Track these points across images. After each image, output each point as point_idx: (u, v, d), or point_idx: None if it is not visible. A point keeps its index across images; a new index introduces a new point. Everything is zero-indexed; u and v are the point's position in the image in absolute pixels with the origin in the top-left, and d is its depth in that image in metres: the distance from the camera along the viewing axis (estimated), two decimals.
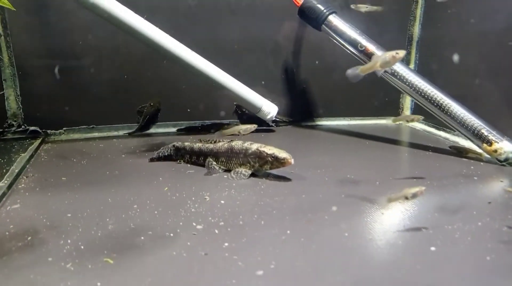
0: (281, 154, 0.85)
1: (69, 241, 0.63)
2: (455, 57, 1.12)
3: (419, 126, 1.39)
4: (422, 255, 0.59)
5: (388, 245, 0.62)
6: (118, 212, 0.73)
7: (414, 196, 0.66)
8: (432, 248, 0.60)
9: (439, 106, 1.01)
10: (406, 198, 0.66)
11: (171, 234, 0.65)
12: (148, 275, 0.55)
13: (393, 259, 0.58)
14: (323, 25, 1.11)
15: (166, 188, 0.84)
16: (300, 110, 1.41)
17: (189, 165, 0.98)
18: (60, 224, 0.69)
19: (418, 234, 0.65)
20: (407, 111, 1.45)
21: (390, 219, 0.70)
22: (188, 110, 1.33)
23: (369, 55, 1.07)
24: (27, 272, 0.55)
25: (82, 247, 0.61)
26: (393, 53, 0.76)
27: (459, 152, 1.02)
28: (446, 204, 0.76)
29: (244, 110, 1.33)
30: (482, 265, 0.57)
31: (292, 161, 0.85)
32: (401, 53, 0.76)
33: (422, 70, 1.31)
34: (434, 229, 0.66)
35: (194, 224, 0.68)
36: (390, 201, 0.68)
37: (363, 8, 1.11)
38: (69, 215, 0.72)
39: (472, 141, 0.99)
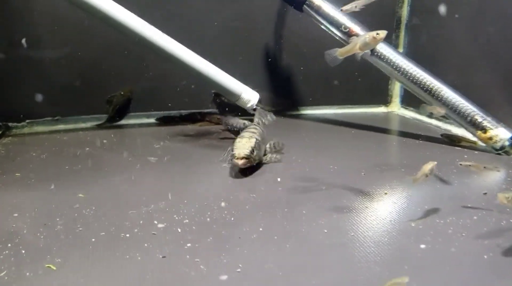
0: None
1: (9, 245, 0.55)
2: (442, 9, 1.04)
3: (410, 114, 1.32)
4: (411, 253, 0.52)
5: (372, 243, 0.54)
6: (71, 211, 0.65)
7: (431, 171, 0.62)
8: (422, 246, 0.54)
9: (429, 91, 0.93)
10: (426, 175, 0.61)
11: (127, 235, 0.57)
12: (92, 283, 0.47)
13: (378, 259, 0.51)
14: (305, 5, 1.03)
15: (127, 185, 0.76)
16: (283, 98, 1.34)
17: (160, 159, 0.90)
18: (2, 225, 0.61)
19: (407, 230, 0.58)
20: (396, 99, 1.38)
21: (375, 213, 0.63)
22: (162, 98, 1.24)
23: (353, 37, 0.99)
24: None
25: (23, 251, 0.54)
26: (373, 33, 0.69)
27: (452, 140, 0.96)
28: (437, 196, 0.69)
29: (223, 98, 1.25)
30: (479, 264, 0.50)
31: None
32: (382, 33, 0.69)
33: (411, 55, 1.24)
34: (424, 224, 0.59)
35: (155, 222, 0.61)
36: (416, 181, 0.62)
37: None
38: (15, 214, 0.64)
39: (465, 128, 0.92)
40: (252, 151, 0.76)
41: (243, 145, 0.77)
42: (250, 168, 0.80)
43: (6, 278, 0.48)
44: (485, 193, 0.70)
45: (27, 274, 0.49)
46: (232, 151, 0.77)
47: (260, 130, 0.89)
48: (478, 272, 0.49)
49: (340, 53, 0.69)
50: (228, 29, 1.24)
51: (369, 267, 0.49)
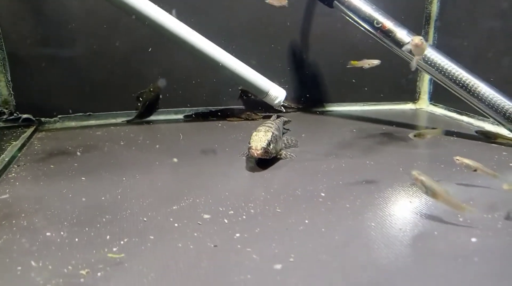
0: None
1: (61, 233, 0.56)
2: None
3: (439, 111, 1.30)
4: (463, 247, 0.52)
5: (423, 236, 0.54)
6: (116, 202, 0.66)
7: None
8: (473, 240, 0.53)
9: (465, 87, 0.92)
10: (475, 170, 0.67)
11: (175, 224, 0.58)
12: (151, 269, 0.48)
13: (429, 252, 0.51)
14: (335, 1, 1.03)
15: (165, 178, 0.77)
16: (310, 95, 1.33)
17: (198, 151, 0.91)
18: (52, 216, 0.62)
19: (455, 224, 0.57)
20: (424, 96, 1.37)
21: (421, 208, 0.63)
22: (190, 95, 1.25)
23: (385, 33, 0.99)
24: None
25: (76, 239, 0.54)
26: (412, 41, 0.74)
27: (487, 137, 0.94)
28: (481, 192, 0.68)
29: (250, 95, 1.26)
30: None
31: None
32: (415, 39, 0.74)
33: (441, 51, 1.22)
34: (472, 219, 0.58)
35: (201, 213, 0.61)
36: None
37: None
38: (67, 207, 0.64)
39: (503, 125, 0.91)
40: (268, 144, 0.77)
41: (260, 139, 0.78)
42: (267, 161, 0.80)
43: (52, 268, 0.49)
44: None
45: (93, 260, 0.49)
46: (249, 144, 0.78)
47: (276, 125, 0.90)
48: None
49: (416, 60, 0.79)
50: (256, 27, 1.24)
51: (423, 260, 0.49)
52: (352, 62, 0.98)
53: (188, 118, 1.23)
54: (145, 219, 0.60)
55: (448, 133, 1.02)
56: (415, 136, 0.77)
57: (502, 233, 0.55)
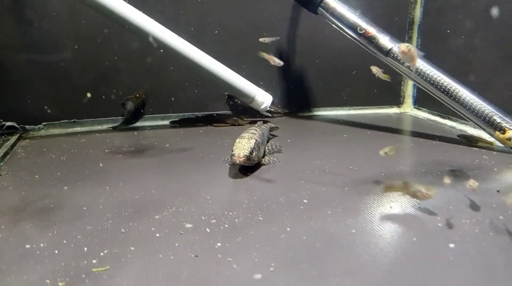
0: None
1: (41, 245, 0.56)
2: (494, 11, 1.03)
3: (423, 114, 1.32)
4: (441, 253, 0.53)
5: (402, 243, 0.55)
6: (98, 212, 0.65)
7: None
8: (451, 245, 0.54)
9: (446, 92, 0.94)
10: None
11: (157, 235, 0.58)
12: (130, 281, 0.47)
13: (408, 259, 0.51)
14: (320, 8, 1.04)
15: (148, 187, 0.76)
16: (296, 100, 1.34)
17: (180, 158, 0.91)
18: (32, 226, 0.61)
19: (434, 229, 0.58)
20: (408, 100, 1.39)
21: (401, 213, 0.63)
22: (176, 101, 1.25)
23: (369, 39, 1.00)
24: None
25: (56, 251, 0.54)
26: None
27: (469, 141, 0.96)
28: (461, 196, 0.69)
29: (236, 100, 1.26)
30: (511, 263, 0.50)
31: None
32: (401, 46, 0.75)
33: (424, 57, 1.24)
34: (451, 224, 0.59)
35: (183, 222, 0.61)
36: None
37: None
38: (48, 218, 0.64)
39: (483, 129, 0.92)
40: (251, 152, 0.78)
41: (243, 146, 0.79)
42: (249, 168, 0.81)
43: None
44: (498, 191, 0.71)
45: (71, 273, 0.49)
46: (232, 151, 0.79)
47: (260, 131, 0.91)
48: (511, 270, 0.49)
49: (413, 66, 0.85)
50: (242, 32, 1.24)
51: (401, 267, 0.50)
52: (384, 75, 0.99)
53: (175, 124, 1.23)
54: (126, 229, 0.59)
55: (431, 137, 1.04)
56: (385, 153, 0.77)
57: (480, 237, 0.56)
